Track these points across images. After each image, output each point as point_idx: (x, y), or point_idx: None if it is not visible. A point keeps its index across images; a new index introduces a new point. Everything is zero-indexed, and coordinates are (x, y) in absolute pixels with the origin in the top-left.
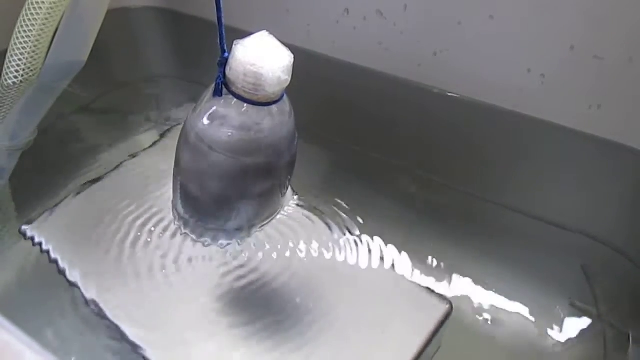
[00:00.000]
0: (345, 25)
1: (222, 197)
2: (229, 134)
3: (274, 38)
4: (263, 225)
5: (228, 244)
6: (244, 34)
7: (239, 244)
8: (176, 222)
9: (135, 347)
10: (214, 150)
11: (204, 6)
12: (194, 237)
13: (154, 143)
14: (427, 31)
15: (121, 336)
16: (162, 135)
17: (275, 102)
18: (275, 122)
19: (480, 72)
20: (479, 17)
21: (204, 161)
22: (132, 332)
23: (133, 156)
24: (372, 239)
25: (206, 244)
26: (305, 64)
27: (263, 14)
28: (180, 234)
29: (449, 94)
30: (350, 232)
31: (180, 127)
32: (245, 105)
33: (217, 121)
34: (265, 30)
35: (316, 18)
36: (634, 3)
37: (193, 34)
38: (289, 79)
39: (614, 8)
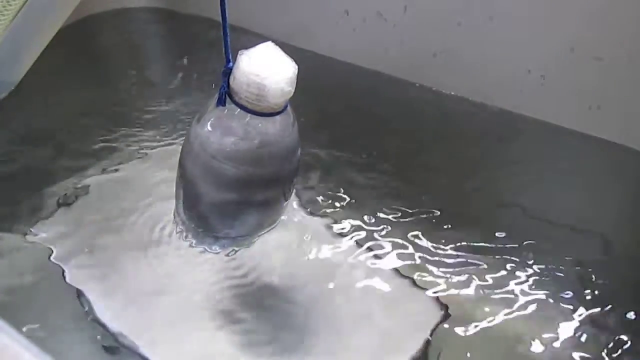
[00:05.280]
0: (345, 26)
1: (224, 206)
2: (232, 143)
3: (279, 49)
4: (265, 232)
5: (231, 250)
6: (244, 33)
7: (236, 251)
8: (178, 228)
9: (133, 350)
10: (217, 160)
11: (203, 6)
12: (195, 242)
13: (154, 144)
14: (427, 32)
15: (119, 339)
16: (162, 137)
17: (278, 113)
18: (279, 132)
19: (480, 73)
20: (478, 17)
21: (206, 170)
22: (130, 334)
23: (133, 158)
24: (371, 242)
25: (207, 249)
26: (305, 65)
27: (263, 14)
28: (182, 239)
29: (449, 95)
30: (349, 234)
31: (178, 131)
32: (249, 115)
33: (221, 131)
34: (270, 41)
35: (316, 19)
36: (634, 4)
37: (193, 33)
38: (293, 91)
39: (614, 9)
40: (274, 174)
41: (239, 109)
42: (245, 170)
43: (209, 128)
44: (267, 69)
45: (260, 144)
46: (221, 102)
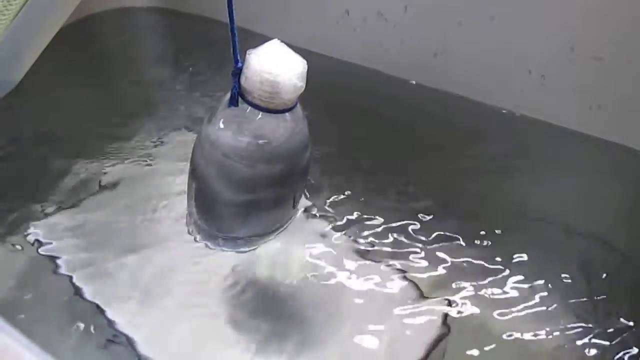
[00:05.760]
0: (345, 26)
1: (237, 206)
2: (245, 142)
3: (285, 46)
4: (276, 234)
5: (241, 251)
6: (245, 34)
7: (247, 251)
8: (189, 229)
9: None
10: (230, 159)
11: (204, 6)
12: (207, 243)
13: (156, 144)
14: (428, 32)
15: (126, 342)
16: (164, 137)
17: (289, 110)
18: (289, 129)
19: (481, 73)
20: (479, 17)
21: (219, 169)
22: (131, 334)
23: (135, 158)
24: (372, 244)
25: (219, 250)
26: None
27: (264, 14)
28: (193, 238)
29: (449, 95)
30: (349, 235)
31: (179, 131)
32: (260, 113)
33: (233, 130)
34: (276, 39)
35: (317, 19)
36: (634, 4)
37: (194, 33)
38: (304, 86)
39: (614, 9)
40: (285, 171)
41: (249, 108)
42: (258, 168)
43: (221, 128)
44: (278, 66)
45: (273, 141)
46: (234, 103)
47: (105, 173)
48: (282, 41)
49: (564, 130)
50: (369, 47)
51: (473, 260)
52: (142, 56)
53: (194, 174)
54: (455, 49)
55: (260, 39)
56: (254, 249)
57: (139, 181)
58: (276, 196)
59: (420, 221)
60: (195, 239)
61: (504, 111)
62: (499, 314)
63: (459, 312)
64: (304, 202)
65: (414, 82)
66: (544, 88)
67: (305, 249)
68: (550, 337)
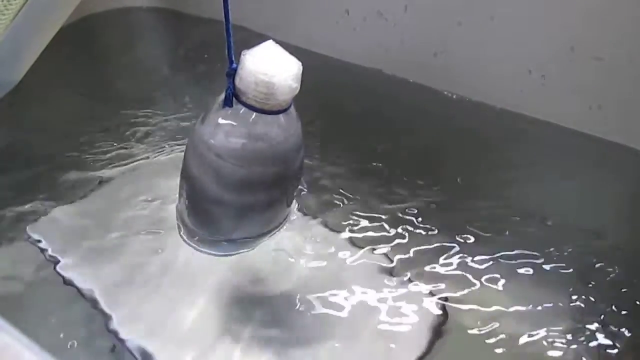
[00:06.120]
0: (345, 26)
1: (229, 207)
2: (239, 143)
3: (280, 47)
4: (269, 236)
5: (233, 254)
6: (245, 33)
7: (240, 253)
8: (181, 232)
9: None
10: (223, 160)
11: (204, 6)
12: (198, 247)
13: (156, 144)
14: (428, 32)
15: (123, 342)
16: (164, 137)
17: (284, 111)
18: (283, 130)
19: (481, 73)
20: (479, 17)
21: (212, 170)
22: (129, 331)
23: (136, 158)
24: (370, 243)
25: (211, 253)
26: (305, 65)
27: (264, 13)
28: (184, 241)
29: (449, 94)
30: (346, 234)
31: (178, 130)
32: (254, 114)
33: (226, 131)
34: (271, 40)
35: (316, 19)
36: (634, 4)
37: (193, 32)
38: (299, 87)
39: (614, 9)
40: (279, 173)
41: (244, 109)
42: (251, 169)
43: (215, 128)
44: (273, 67)
45: (266, 143)
46: (228, 103)
47: (104, 171)
48: (281, 41)
49: (564, 130)
50: (369, 47)
51: (472, 259)
52: (142, 56)
53: (186, 175)
54: (455, 49)
55: (260, 39)
56: (246, 251)
57: (137, 179)
58: (269, 198)
59: (420, 221)
60: (184, 241)
61: (503, 111)
62: (497, 313)
63: (458, 310)
64: (299, 203)
65: (414, 82)
66: (544, 88)
67: (301, 250)
68: (549, 337)
